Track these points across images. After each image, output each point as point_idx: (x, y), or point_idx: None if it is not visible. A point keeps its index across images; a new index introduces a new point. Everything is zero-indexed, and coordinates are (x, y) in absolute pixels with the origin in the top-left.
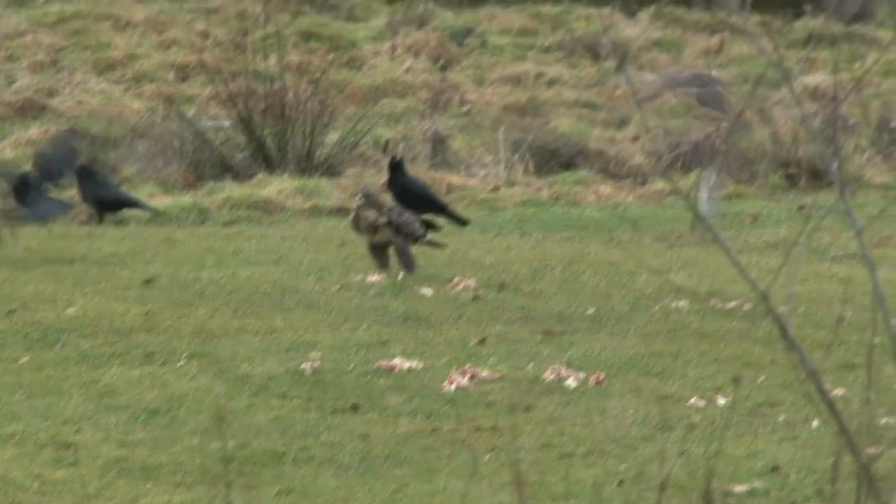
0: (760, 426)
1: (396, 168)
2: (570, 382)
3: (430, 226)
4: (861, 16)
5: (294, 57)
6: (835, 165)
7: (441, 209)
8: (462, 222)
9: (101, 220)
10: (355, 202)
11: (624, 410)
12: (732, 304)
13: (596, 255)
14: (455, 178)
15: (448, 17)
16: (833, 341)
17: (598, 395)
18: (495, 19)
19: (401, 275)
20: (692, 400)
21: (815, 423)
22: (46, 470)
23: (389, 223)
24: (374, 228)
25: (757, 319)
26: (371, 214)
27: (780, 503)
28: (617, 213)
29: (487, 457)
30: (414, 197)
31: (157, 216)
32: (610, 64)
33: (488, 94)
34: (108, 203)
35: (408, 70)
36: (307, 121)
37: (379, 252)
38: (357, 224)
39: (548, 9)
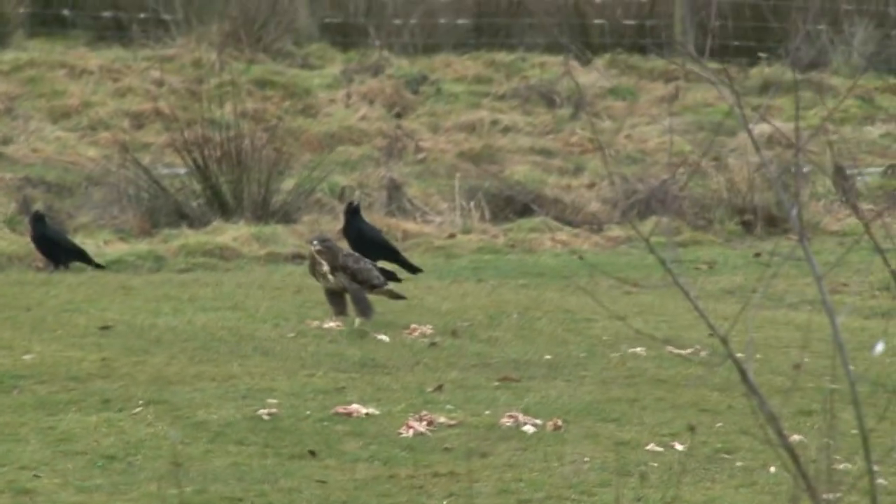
0: (718, 472)
1: (353, 214)
2: (528, 428)
3: (391, 276)
4: (816, 63)
5: (249, 104)
6: (795, 212)
7: (395, 255)
8: (415, 270)
9: (56, 267)
10: (311, 248)
11: (581, 456)
12: (689, 350)
13: (552, 301)
14: (411, 225)
15: (403, 65)
16: (791, 387)
17: (555, 440)
18: (450, 67)
19: (357, 321)
20: (649, 446)
21: (772, 469)
22: None
23: (345, 269)
24: (329, 274)
25: (714, 365)
26: (326, 260)
27: None
28: (573, 260)
29: (445, 502)
30: (370, 243)
31: (101, 269)
32: (565, 111)
33: (443, 142)
34: (61, 249)
35: (363, 117)
36: (263, 168)
37: (335, 298)
38: (313, 270)
39: (502, 56)
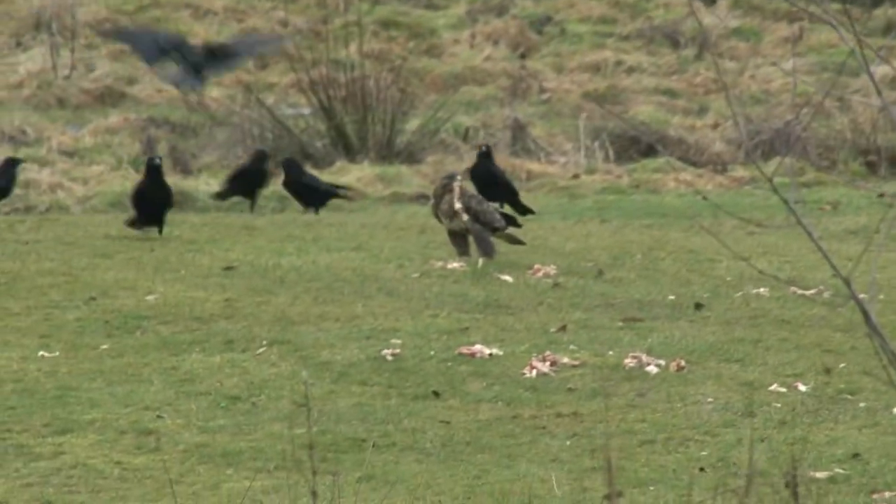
0: (841, 413)
1: (485, 157)
2: (651, 369)
3: (510, 221)
4: None
5: (374, 45)
6: None
7: (514, 196)
8: (526, 212)
9: (316, 212)
10: (452, 183)
11: (704, 397)
12: (813, 290)
13: (676, 242)
14: (535, 166)
15: (527, 6)
16: None
17: (678, 381)
18: (574, 7)
19: (480, 262)
20: (773, 386)
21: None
22: (127, 456)
23: (468, 210)
24: (452, 214)
25: (837, 306)
26: (450, 199)
27: (862, 489)
28: (697, 200)
29: (568, 443)
30: (496, 184)
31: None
32: (689, 52)
33: (567, 82)
34: (319, 193)
35: (487, 58)
36: (387, 109)
37: (458, 239)
38: (438, 210)
39: None
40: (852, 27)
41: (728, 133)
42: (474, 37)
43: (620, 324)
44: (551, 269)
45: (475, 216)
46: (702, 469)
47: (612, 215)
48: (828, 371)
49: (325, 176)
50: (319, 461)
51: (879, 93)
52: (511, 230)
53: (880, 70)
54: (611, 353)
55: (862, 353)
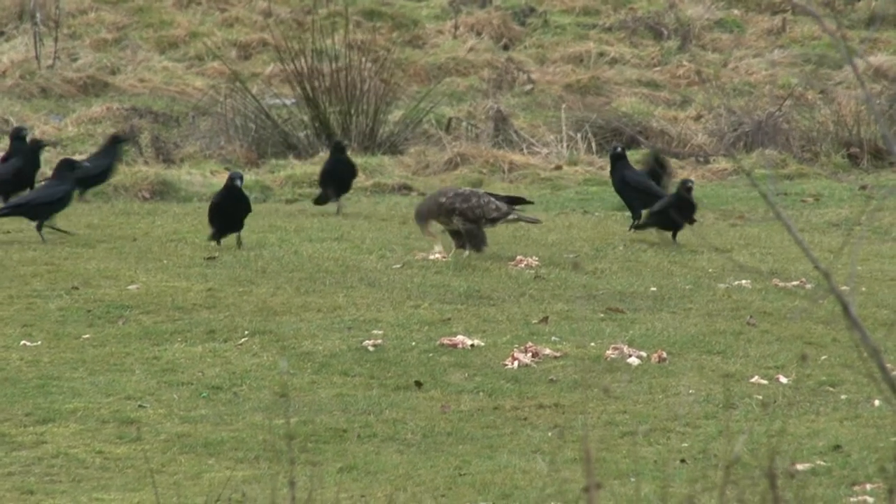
0: (822, 405)
1: (617, 159)
2: (633, 360)
3: (517, 200)
4: None
5: (357, 36)
6: None
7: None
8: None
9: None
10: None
11: (686, 388)
12: (794, 283)
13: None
14: (517, 157)
15: None
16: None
17: (660, 372)
18: None
19: (466, 253)
20: (754, 378)
21: (877, 402)
22: (108, 446)
23: (453, 212)
24: (447, 217)
25: (819, 298)
26: (441, 219)
27: (842, 481)
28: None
29: (550, 434)
30: (633, 190)
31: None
32: (672, 43)
33: (550, 74)
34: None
35: (470, 49)
36: (370, 99)
37: (456, 236)
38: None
39: None
40: (836, 19)
41: (710, 125)
42: (457, 27)
43: (602, 315)
44: (533, 261)
45: (462, 216)
46: (682, 461)
47: (594, 207)
48: (804, 358)
49: (309, 167)
50: (300, 451)
51: (862, 84)
52: (518, 213)
53: (865, 61)
54: (592, 344)
55: (843, 345)
